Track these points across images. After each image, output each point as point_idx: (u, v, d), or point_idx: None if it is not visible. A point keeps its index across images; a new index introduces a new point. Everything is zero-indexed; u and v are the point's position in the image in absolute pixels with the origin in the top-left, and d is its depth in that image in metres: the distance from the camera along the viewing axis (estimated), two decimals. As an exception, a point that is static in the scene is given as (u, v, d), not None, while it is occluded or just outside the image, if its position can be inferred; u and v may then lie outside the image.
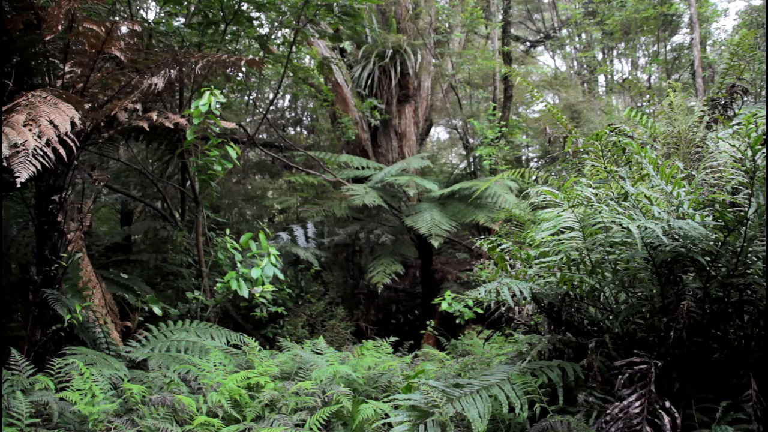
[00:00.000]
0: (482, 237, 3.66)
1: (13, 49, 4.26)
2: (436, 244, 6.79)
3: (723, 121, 4.02)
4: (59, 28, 4.07)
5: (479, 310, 5.84)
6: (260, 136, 10.36)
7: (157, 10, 8.10)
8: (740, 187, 2.63)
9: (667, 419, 2.22)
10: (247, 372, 3.72)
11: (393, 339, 5.40)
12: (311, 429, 3.14)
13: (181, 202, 7.06)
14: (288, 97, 12.64)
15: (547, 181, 4.49)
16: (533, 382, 2.74)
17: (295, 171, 8.56)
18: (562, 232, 2.88)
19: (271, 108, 11.39)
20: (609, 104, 13.46)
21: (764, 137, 2.32)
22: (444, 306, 5.96)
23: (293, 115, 13.12)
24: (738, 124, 2.76)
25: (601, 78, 15.48)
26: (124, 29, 4.72)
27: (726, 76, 4.88)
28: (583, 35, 14.78)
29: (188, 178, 6.31)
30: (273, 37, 7.21)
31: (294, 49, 6.49)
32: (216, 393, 3.38)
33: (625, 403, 2.32)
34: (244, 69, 6.45)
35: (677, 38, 13.59)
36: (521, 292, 2.87)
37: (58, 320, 4.07)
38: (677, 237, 2.50)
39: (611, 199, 2.82)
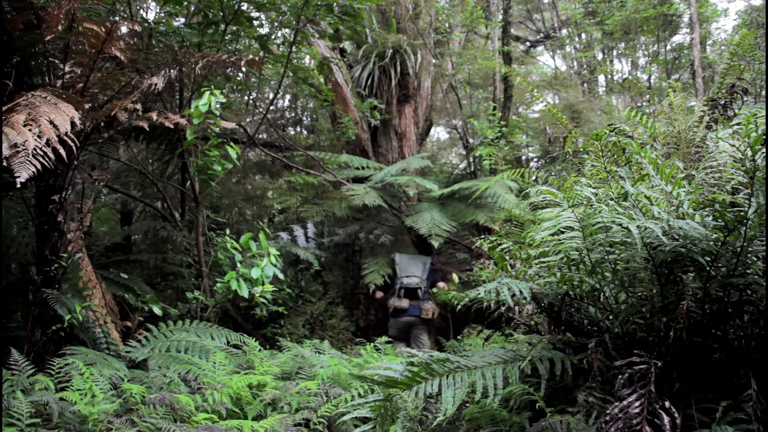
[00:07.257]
0: (482, 237, 3.66)
1: (13, 49, 4.26)
2: (436, 244, 6.79)
3: (723, 121, 4.02)
4: (59, 28, 4.07)
5: (479, 310, 5.84)
6: (260, 136, 10.34)
7: (157, 10, 8.10)
8: (740, 187, 2.62)
9: (666, 419, 2.22)
10: (249, 374, 3.72)
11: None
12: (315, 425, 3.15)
13: (181, 202, 7.06)
14: (288, 97, 12.63)
15: (547, 181, 4.49)
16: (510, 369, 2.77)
17: (295, 171, 8.54)
18: (562, 232, 2.88)
19: (271, 108, 11.38)
20: (609, 104, 13.44)
21: (764, 137, 2.32)
22: (444, 306, 5.95)
23: (293, 115, 13.09)
24: (738, 124, 2.75)
25: (601, 78, 15.47)
26: (124, 29, 4.72)
27: (726, 76, 4.88)
28: (583, 35, 14.77)
29: (188, 178, 6.30)
30: (273, 37, 7.20)
31: (294, 49, 6.49)
32: (217, 392, 3.39)
33: (624, 403, 2.32)
34: (244, 69, 6.45)
35: (677, 38, 13.58)
36: (521, 292, 2.86)
37: (58, 320, 4.06)
38: (677, 237, 2.50)
39: (611, 199, 2.82)
